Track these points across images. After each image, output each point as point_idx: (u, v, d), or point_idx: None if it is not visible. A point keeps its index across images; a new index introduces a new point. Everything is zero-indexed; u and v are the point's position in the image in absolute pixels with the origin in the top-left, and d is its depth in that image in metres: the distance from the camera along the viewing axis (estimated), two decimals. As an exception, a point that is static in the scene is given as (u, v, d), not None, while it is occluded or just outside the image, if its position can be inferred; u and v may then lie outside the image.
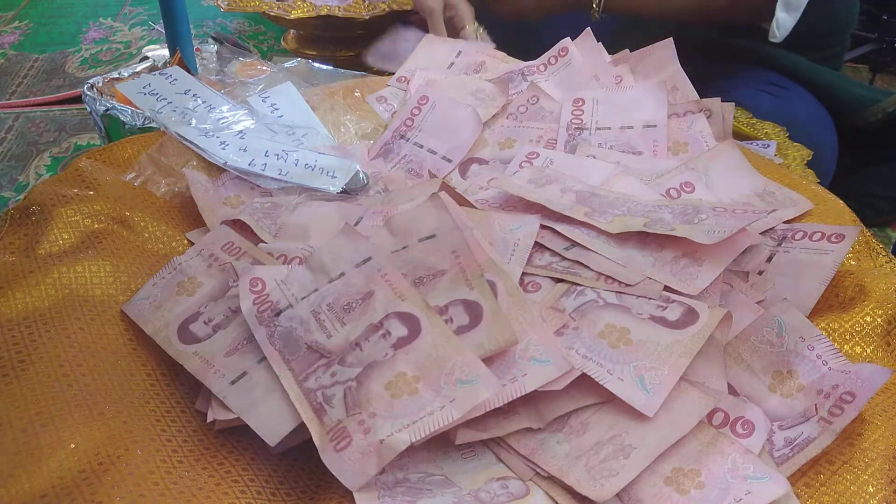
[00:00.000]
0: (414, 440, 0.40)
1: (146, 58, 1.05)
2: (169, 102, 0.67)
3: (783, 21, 0.86)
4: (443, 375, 0.42)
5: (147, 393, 0.47)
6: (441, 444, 0.44)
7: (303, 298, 0.47)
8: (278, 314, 0.47)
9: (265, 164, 0.62)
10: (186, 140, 0.64)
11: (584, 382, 0.45)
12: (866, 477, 0.42)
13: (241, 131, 0.66)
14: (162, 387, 0.48)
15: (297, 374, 0.44)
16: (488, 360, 0.44)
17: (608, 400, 0.44)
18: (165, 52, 0.96)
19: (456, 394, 0.41)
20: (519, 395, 0.43)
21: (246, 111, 0.69)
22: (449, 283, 0.47)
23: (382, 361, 0.43)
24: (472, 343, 0.44)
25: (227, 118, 0.67)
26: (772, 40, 0.88)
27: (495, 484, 0.42)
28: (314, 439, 0.41)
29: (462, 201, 0.57)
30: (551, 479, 0.42)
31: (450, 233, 0.48)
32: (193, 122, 0.65)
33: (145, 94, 0.68)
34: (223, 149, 0.63)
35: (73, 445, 0.41)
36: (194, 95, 0.68)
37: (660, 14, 0.93)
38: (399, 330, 0.44)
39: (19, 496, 0.38)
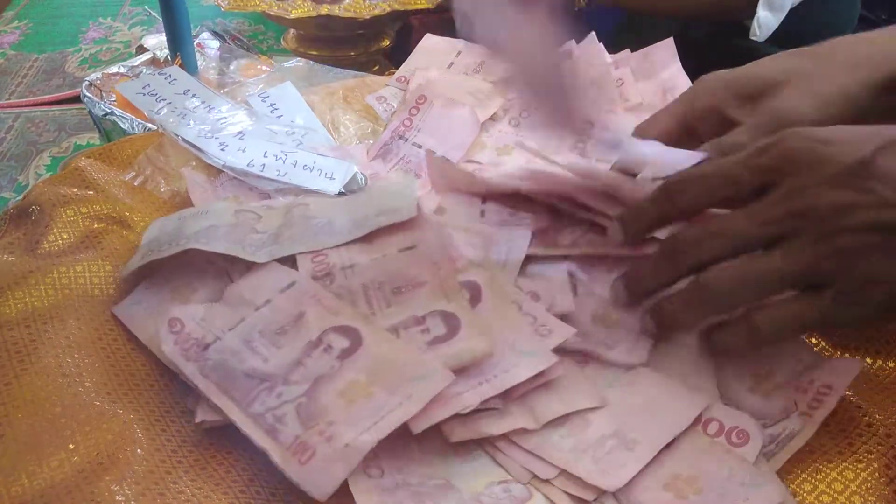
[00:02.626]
0: (378, 439, 0.40)
1: (145, 49, 1.04)
2: (168, 103, 0.67)
3: (765, 20, 0.85)
4: (395, 375, 0.42)
5: (147, 392, 0.47)
6: (439, 447, 0.44)
7: (230, 330, 0.46)
8: (206, 348, 0.45)
9: (263, 164, 0.62)
10: (185, 141, 0.63)
11: (578, 383, 0.45)
12: (865, 476, 0.42)
13: (240, 132, 0.65)
14: (161, 387, 0.48)
15: (240, 401, 0.43)
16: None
17: (601, 406, 0.44)
18: (163, 38, 0.95)
19: (412, 390, 0.41)
20: (513, 384, 0.43)
21: (245, 111, 0.68)
22: (427, 295, 0.47)
23: (331, 373, 0.43)
24: (447, 353, 0.44)
25: (226, 118, 0.67)
26: (752, 38, 0.87)
27: (497, 488, 0.42)
28: (273, 459, 0.40)
29: (456, 174, 0.56)
30: (549, 483, 0.42)
31: (430, 245, 0.48)
32: (192, 122, 0.65)
33: (144, 94, 0.68)
34: (222, 149, 0.63)
35: (72, 445, 0.41)
36: (193, 95, 0.68)
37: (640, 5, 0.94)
38: (340, 342, 0.44)
39: (19, 496, 0.38)
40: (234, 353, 0.45)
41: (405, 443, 0.43)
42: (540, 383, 0.44)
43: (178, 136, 0.64)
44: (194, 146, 0.63)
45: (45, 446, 0.41)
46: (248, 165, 0.62)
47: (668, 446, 0.42)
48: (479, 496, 0.41)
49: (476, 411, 0.43)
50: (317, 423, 0.41)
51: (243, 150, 0.63)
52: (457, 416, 0.43)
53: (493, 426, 0.44)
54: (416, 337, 0.45)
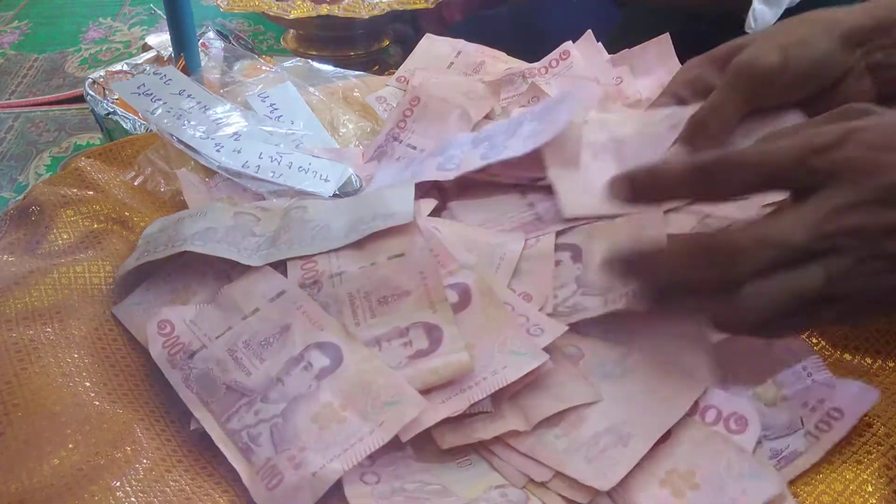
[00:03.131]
0: (347, 468, 0.40)
1: (149, 47, 1.04)
2: (164, 103, 0.66)
3: (761, 13, 0.86)
4: (369, 400, 0.42)
5: (147, 392, 0.47)
6: (435, 453, 0.44)
7: (217, 338, 0.46)
8: (192, 356, 0.46)
9: (258, 166, 0.62)
10: (180, 142, 0.63)
11: (572, 380, 0.45)
12: (865, 476, 0.42)
13: (235, 133, 0.65)
14: (161, 386, 0.48)
15: (219, 415, 0.43)
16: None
17: (596, 401, 0.44)
18: (167, 37, 0.95)
19: (383, 416, 0.41)
20: (502, 386, 0.43)
21: (240, 112, 0.68)
22: (413, 305, 0.46)
23: (307, 394, 0.43)
24: (427, 368, 0.44)
25: (222, 119, 0.66)
26: (747, 31, 0.87)
27: (494, 492, 0.42)
28: (243, 480, 0.41)
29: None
30: (544, 486, 0.42)
31: (419, 253, 0.48)
32: (187, 123, 0.65)
33: (139, 94, 0.67)
34: (217, 151, 0.63)
35: (72, 444, 0.41)
36: (189, 96, 0.68)
37: None
38: (321, 360, 0.44)
39: (19, 494, 0.38)
40: (219, 362, 0.45)
41: (401, 449, 0.43)
42: (529, 381, 0.44)
43: (172, 136, 0.64)
44: (189, 147, 0.63)
45: (44, 445, 0.41)
46: (243, 167, 0.62)
47: (663, 439, 0.42)
48: (477, 501, 0.41)
49: (466, 416, 0.43)
50: (288, 447, 0.41)
51: (238, 152, 0.63)
52: (447, 421, 0.43)
53: (485, 430, 0.43)
54: (398, 351, 0.45)
